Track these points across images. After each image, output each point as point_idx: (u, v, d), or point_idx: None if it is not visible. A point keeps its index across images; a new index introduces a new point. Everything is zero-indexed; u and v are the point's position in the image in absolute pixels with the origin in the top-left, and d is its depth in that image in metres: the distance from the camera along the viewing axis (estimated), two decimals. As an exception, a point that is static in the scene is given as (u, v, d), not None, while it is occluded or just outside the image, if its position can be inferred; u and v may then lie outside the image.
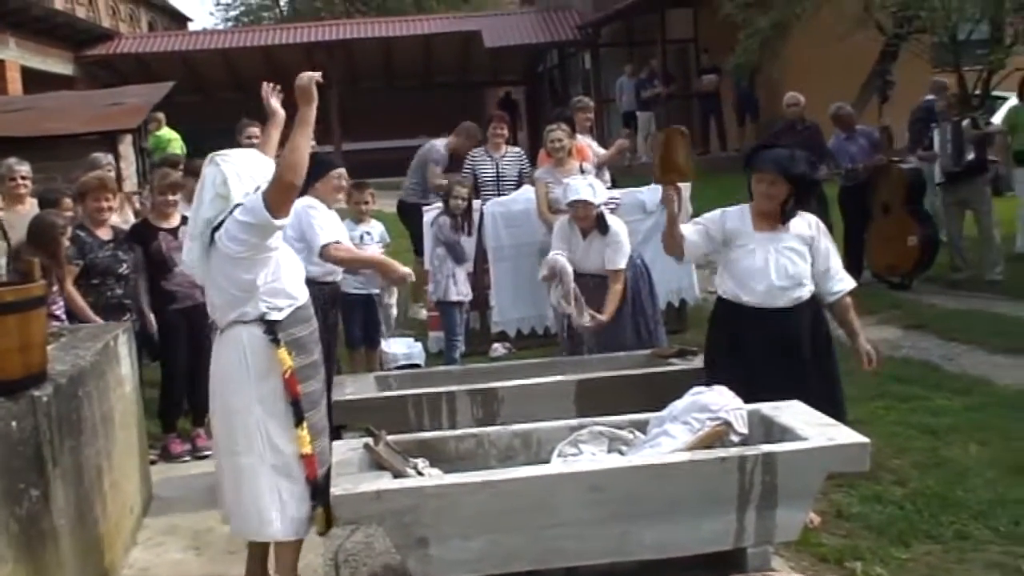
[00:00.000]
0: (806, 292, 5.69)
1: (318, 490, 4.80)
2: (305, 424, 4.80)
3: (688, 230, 5.98)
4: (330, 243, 6.49)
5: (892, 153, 12.15)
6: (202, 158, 5.30)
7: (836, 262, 5.79)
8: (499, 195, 10.46)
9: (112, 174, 8.67)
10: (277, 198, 4.66)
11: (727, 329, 5.91)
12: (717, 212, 5.98)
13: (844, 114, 12.38)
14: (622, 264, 7.45)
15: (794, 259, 5.66)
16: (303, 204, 6.50)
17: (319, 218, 6.59)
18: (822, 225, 5.83)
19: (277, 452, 4.81)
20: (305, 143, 4.82)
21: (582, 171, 9.53)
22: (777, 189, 5.63)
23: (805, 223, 5.74)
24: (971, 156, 11.65)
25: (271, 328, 4.81)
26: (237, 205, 4.76)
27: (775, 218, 5.70)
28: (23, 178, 8.46)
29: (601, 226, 7.58)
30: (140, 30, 39.17)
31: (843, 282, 5.78)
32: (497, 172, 10.59)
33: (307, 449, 4.78)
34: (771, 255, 5.69)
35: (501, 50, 30.14)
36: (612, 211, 9.85)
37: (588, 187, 7.57)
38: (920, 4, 16.13)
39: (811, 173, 5.78)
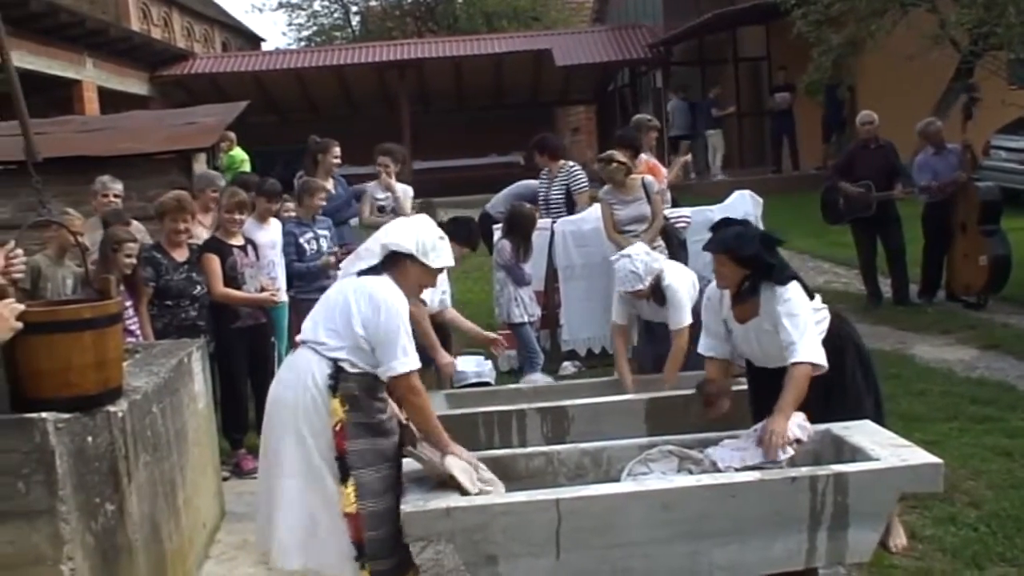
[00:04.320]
0: None
1: (363, 551, 4.74)
2: (352, 481, 4.72)
3: (709, 348, 5.81)
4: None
5: (973, 171, 11.97)
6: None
7: (788, 335, 5.23)
8: (547, 212, 10.54)
9: (215, 194, 8.82)
10: (403, 394, 4.83)
11: (751, 381, 5.87)
12: (706, 304, 5.86)
13: (933, 130, 12.21)
14: (684, 322, 7.09)
15: (772, 341, 5.39)
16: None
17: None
18: (786, 294, 5.30)
19: (326, 490, 4.76)
20: (432, 436, 4.91)
21: (644, 187, 9.48)
22: (727, 270, 5.42)
23: (773, 299, 5.33)
24: None
25: (337, 374, 4.75)
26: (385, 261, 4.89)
27: (747, 305, 5.46)
28: (116, 196, 8.66)
29: (657, 297, 7.31)
30: (214, 50, 39.69)
31: (793, 355, 5.22)
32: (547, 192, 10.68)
33: (350, 508, 4.72)
34: (753, 342, 5.55)
35: (572, 68, 30.19)
36: (682, 229, 9.89)
37: (631, 274, 7.23)
38: (996, 20, 15.96)
39: (763, 254, 5.34)
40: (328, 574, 4.84)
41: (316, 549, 4.79)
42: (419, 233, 4.97)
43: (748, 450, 5.12)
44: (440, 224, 7.00)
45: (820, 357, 5.20)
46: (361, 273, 4.92)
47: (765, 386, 5.51)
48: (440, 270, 5.10)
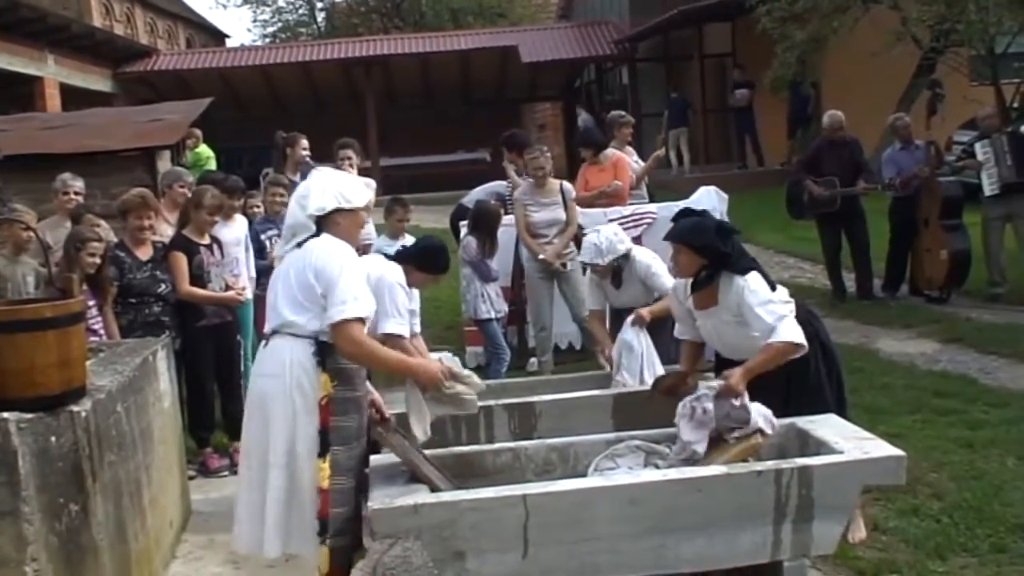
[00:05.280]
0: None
1: (326, 528, 4.79)
2: (328, 458, 4.77)
3: (682, 332, 5.98)
4: (393, 334, 6.15)
5: (938, 167, 12.03)
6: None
7: (764, 323, 5.31)
8: None
9: (183, 189, 8.80)
10: (340, 344, 4.78)
11: (717, 367, 5.93)
12: (672, 293, 6.06)
13: (901, 125, 12.32)
14: (671, 283, 7.22)
15: (732, 331, 5.50)
16: (394, 277, 6.32)
17: (399, 302, 6.29)
18: (748, 283, 5.40)
19: (300, 475, 4.80)
20: (392, 370, 5.08)
21: (562, 192, 9.53)
22: (682, 258, 5.54)
23: (732, 291, 5.44)
24: None
25: (321, 350, 4.80)
26: (313, 236, 4.94)
27: (706, 294, 5.56)
28: (76, 193, 8.64)
29: (615, 280, 7.39)
30: (178, 47, 39.48)
31: (773, 336, 5.29)
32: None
33: (324, 484, 4.76)
34: (713, 334, 5.66)
35: (538, 65, 30.17)
36: (649, 225, 9.92)
37: (592, 246, 7.30)
38: (957, 17, 16.07)
39: (717, 244, 5.43)
40: (297, 553, 4.93)
41: (291, 532, 4.84)
42: (333, 186, 5.05)
43: (706, 424, 5.12)
44: (405, 250, 6.95)
45: (800, 337, 5.27)
46: (299, 245, 4.99)
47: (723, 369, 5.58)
48: (365, 207, 5.19)
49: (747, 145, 24.56)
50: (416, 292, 6.79)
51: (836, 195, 11.78)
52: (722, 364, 5.79)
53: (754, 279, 5.39)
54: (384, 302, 6.05)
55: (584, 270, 8.31)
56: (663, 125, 24.66)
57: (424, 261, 6.61)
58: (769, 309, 5.31)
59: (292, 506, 4.83)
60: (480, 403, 6.10)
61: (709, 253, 5.44)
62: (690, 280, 5.63)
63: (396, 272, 6.34)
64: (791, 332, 5.26)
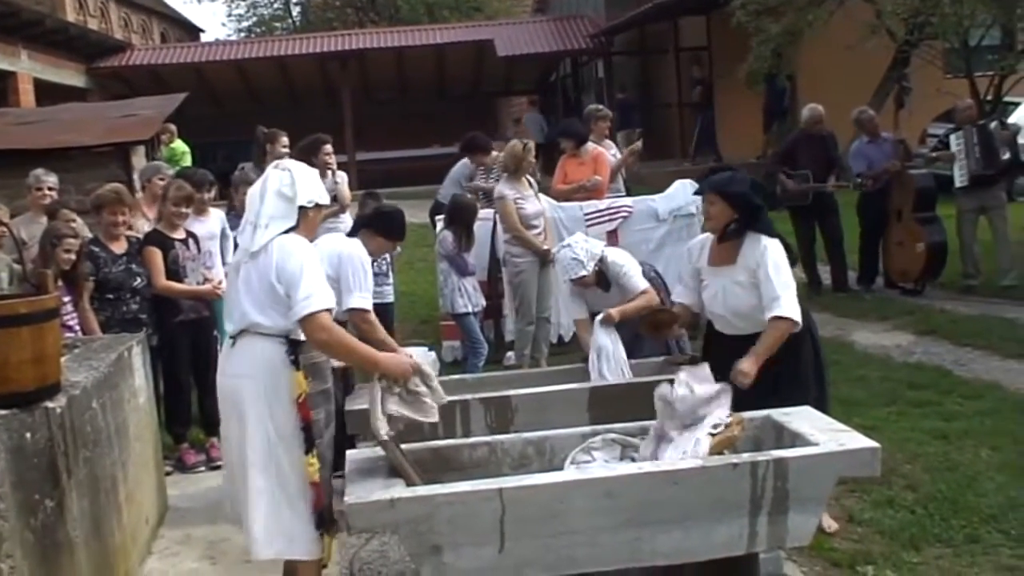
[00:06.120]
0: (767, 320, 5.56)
1: (323, 520, 4.78)
2: (314, 451, 4.76)
3: (680, 295, 6.10)
4: (359, 309, 6.19)
5: (907, 162, 12.10)
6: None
7: (772, 289, 5.47)
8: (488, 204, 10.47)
9: (163, 182, 8.78)
10: (312, 335, 4.69)
11: (706, 346, 6.08)
12: (684, 253, 6.20)
13: (866, 118, 12.38)
14: (642, 285, 7.26)
15: (741, 294, 5.62)
16: (355, 252, 6.35)
17: (362, 276, 6.31)
18: (772, 247, 5.56)
19: (282, 474, 4.75)
20: (360, 361, 4.96)
21: (530, 185, 9.58)
22: (715, 209, 5.66)
23: (755, 250, 5.58)
24: (1007, 156, 11.63)
25: (293, 348, 4.76)
26: (284, 233, 4.81)
27: (725, 251, 5.69)
28: (50, 189, 8.63)
29: (603, 283, 7.33)
30: (152, 42, 39.31)
31: (775, 310, 5.45)
32: None
33: (315, 478, 4.75)
34: (720, 292, 5.73)
35: (514, 59, 30.11)
36: (624, 219, 9.96)
37: (573, 261, 7.24)
38: (931, 10, 16.16)
39: (751, 196, 5.62)
40: (299, 555, 4.85)
41: (285, 536, 4.79)
42: (317, 182, 5.02)
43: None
44: (363, 216, 6.99)
45: (798, 314, 5.47)
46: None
47: (718, 353, 5.61)
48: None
49: (710, 140, 24.68)
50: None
51: (808, 190, 11.85)
52: (713, 337, 5.86)
53: (779, 246, 5.59)
54: (347, 278, 6.14)
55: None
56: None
57: (383, 226, 6.71)
58: (781, 277, 5.49)
59: (280, 510, 4.77)
60: (456, 397, 6.12)
61: (741, 205, 5.59)
62: (711, 237, 5.82)
63: (355, 246, 6.40)
64: (791, 307, 5.45)
